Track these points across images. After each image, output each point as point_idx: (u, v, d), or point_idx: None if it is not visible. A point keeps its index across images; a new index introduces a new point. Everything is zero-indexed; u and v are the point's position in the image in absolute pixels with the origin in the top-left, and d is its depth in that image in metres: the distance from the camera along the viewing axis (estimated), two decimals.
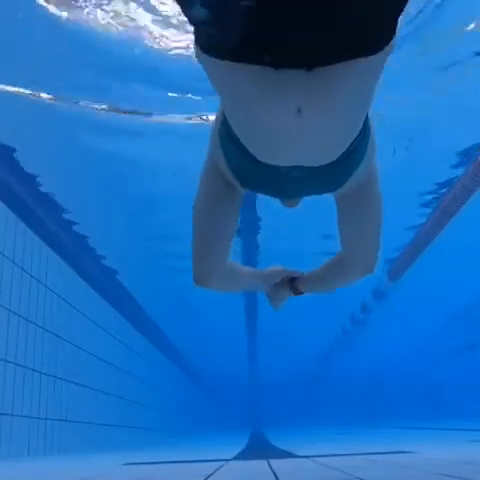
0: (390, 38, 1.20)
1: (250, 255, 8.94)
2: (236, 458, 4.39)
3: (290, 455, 4.42)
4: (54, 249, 6.52)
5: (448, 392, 22.71)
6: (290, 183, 1.71)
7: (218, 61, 1.25)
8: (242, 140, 1.56)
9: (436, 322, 14.47)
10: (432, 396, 23.54)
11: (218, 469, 3.09)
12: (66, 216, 7.03)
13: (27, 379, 5.54)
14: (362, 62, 1.20)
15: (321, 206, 2.58)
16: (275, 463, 3.41)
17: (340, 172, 1.66)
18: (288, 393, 23.99)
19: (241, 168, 1.71)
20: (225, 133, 1.66)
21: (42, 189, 6.28)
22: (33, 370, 5.70)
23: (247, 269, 2.47)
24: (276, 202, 2.08)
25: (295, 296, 2.52)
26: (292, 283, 2.47)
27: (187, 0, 1.15)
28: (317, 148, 1.51)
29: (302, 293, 2.49)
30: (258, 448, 7.06)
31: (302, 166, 1.58)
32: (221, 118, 1.66)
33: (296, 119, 1.34)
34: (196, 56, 1.33)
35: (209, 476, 2.64)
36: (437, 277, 10.61)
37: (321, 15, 1.07)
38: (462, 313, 13.67)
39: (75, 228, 7.39)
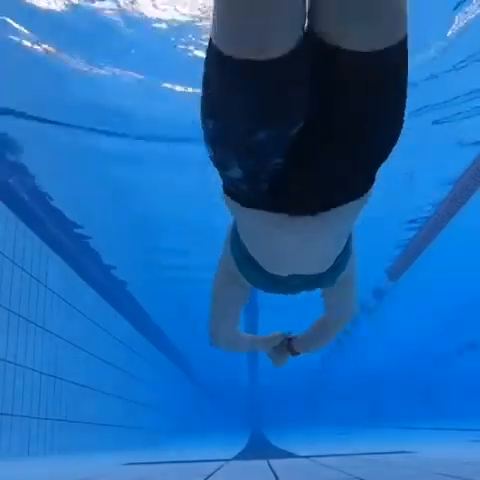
0: (373, 182, 1.62)
1: None
2: (236, 458, 4.39)
3: (290, 455, 4.42)
4: (54, 249, 6.52)
5: (448, 392, 22.70)
6: (290, 286, 2.15)
7: (243, 207, 1.65)
8: (251, 254, 1.97)
9: (436, 322, 14.47)
10: (432, 396, 23.54)
11: (218, 469, 3.09)
12: (69, 219, 7.07)
13: (27, 379, 5.54)
14: (351, 203, 1.63)
15: None
16: (275, 463, 3.41)
17: (330, 277, 2.10)
18: (288, 393, 23.99)
19: (249, 274, 2.13)
20: (236, 245, 2.06)
21: (42, 188, 6.36)
22: (33, 370, 5.70)
23: (250, 336, 3.00)
24: None
25: (293, 356, 2.99)
26: (289, 345, 2.94)
27: (226, 164, 1.48)
28: (314, 263, 1.97)
29: (299, 353, 2.96)
30: (258, 448, 7.06)
31: (301, 275, 2.02)
32: (233, 229, 2.06)
33: (299, 245, 1.78)
34: (223, 197, 1.68)
35: (209, 476, 2.64)
36: (437, 277, 10.61)
37: (326, 182, 1.54)
38: (462, 313, 13.67)
39: (77, 230, 7.44)
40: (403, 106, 1.44)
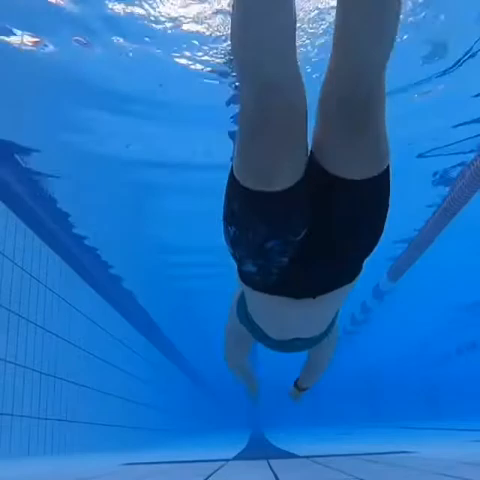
0: (362, 269, 2.01)
1: None
2: (236, 458, 4.38)
3: (290, 455, 4.41)
4: (54, 249, 6.52)
5: (448, 392, 22.69)
6: (291, 347, 2.59)
7: (255, 291, 2.03)
8: (257, 323, 2.38)
9: (436, 322, 14.47)
10: (432, 396, 23.53)
11: (218, 469, 3.08)
12: (69, 220, 7.09)
13: (27, 379, 5.54)
14: (345, 286, 2.03)
15: None
16: (275, 463, 3.40)
17: (324, 335, 2.60)
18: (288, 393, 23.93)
19: (254, 335, 2.55)
20: (243, 313, 2.44)
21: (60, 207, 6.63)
22: (33, 370, 5.70)
23: (252, 374, 3.80)
24: None
25: (304, 392, 3.87)
26: (296, 384, 3.78)
27: (243, 262, 1.86)
28: (313, 329, 2.42)
29: (307, 389, 3.81)
30: (258, 448, 7.05)
31: (301, 338, 2.45)
32: (241, 296, 2.40)
33: (301, 318, 2.19)
34: (238, 281, 2.08)
35: (209, 476, 2.64)
36: (437, 277, 10.60)
37: (324, 274, 1.94)
38: (462, 313, 13.66)
39: (77, 231, 7.45)
40: (385, 216, 1.79)
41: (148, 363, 12.06)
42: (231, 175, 1.68)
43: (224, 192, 1.74)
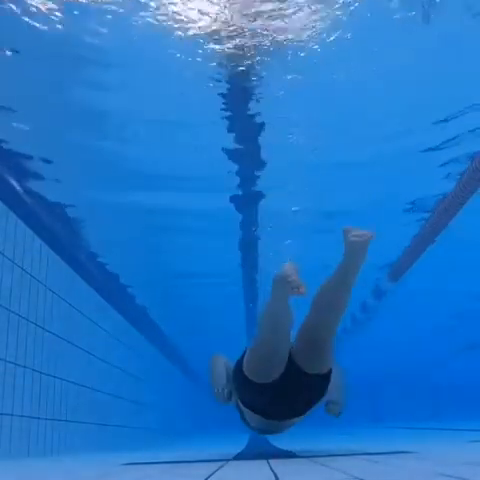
0: (309, 410, 3.82)
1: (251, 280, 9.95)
2: (236, 458, 4.38)
3: (290, 455, 4.40)
4: (54, 249, 6.51)
5: (448, 392, 22.68)
6: (264, 433, 4.54)
7: (250, 411, 3.84)
8: (246, 418, 4.01)
9: (437, 322, 14.46)
10: (432, 396, 23.52)
11: (218, 469, 3.08)
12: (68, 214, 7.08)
13: (27, 379, 5.54)
14: (302, 415, 3.89)
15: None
16: (275, 463, 3.40)
17: (288, 431, 4.31)
18: None
19: (240, 416, 4.20)
20: (241, 404, 3.93)
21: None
22: (33, 370, 5.70)
23: None
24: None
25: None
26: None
27: (242, 399, 3.84)
28: (280, 430, 4.17)
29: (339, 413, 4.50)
30: (258, 448, 7.05)
31: (273, 431, 4.31)
32: (241, 409, 3.96)
33: (277, 426, 3.97)
34: (240, 403, 3.93)
35: (209, 476, 2.63)
36: (437, 277, 10.60)
37: (289, 412, 3.83)
38: (463, 313, 13.66)
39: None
40: (326, 388, 3.65)
41: (148, 363, 12.07)
42: (240, 367, 3.62)
43: (236, 370, 3.69)
